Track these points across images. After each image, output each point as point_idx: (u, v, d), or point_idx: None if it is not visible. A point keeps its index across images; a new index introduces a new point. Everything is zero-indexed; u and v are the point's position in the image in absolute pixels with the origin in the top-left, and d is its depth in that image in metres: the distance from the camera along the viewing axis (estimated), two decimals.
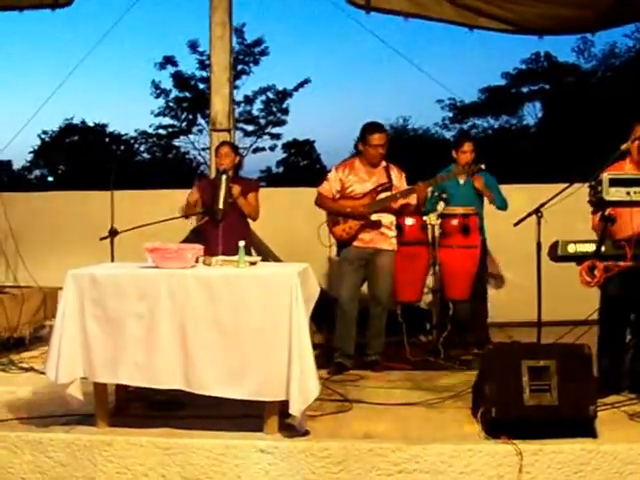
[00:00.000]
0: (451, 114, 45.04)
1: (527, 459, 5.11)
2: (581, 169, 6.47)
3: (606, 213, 5.86)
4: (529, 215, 6.11)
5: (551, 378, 5.33)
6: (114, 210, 8.07)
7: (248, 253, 6.78)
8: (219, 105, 10.21)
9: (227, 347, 5.44)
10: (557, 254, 5.79)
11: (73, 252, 10.14)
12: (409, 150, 37.57)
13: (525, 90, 43.05)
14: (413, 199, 7.94)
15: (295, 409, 5.31)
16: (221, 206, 7.80)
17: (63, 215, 11.31)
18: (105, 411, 5.78)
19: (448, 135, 44.59)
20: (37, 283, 9.66)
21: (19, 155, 47.64)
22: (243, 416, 5.66)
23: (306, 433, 5.49)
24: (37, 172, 48.78)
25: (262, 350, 5.41)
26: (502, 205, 8.84)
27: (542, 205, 6.07)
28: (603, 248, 5.76)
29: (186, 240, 8.29)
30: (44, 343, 8.86)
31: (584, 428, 5.28)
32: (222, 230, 7.84)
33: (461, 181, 8.94)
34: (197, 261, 5.97)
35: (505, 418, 5.31)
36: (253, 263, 6.06)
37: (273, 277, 5.63)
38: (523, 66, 42.51)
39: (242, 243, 5.94)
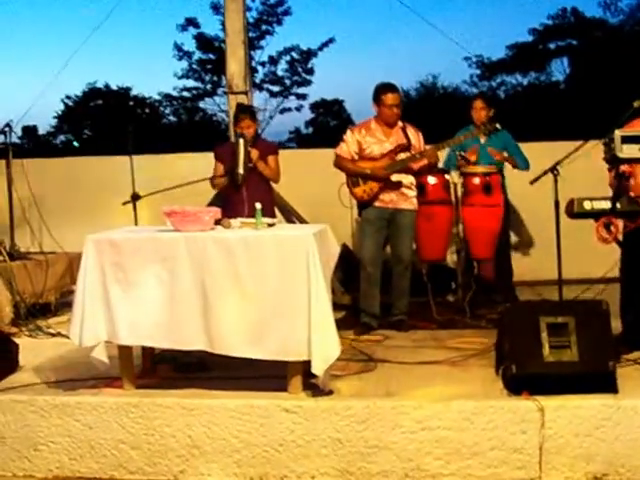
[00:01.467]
0: (479, 71, 44.57)
1: (549, 415, 5.16)
2: (602, 126, 6.47)
3: (620, 170, 5.88)
4: (545, 173, 6.13)
5: (570, 334, 5.38)
6: (135, 175, 8.16)
7: (272, 215, 6.83)
8: (235, 68, 10.27)
9: (248, 308, 5.52)
10: (573, 211, 5.81)
11: (97, 217, 10.08)
12: (439, 107, 37.48)
13: (552, 46, 42.61)
14: (429, 159, 7.92)
15: (317, 368, 5.38)
16: (241, 171, 7.79)
17: (85, 180, 11.36)
18: (131, 374, 5.88)
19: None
20: (62, 248, 9.70)
21: (44, 120, 47.29)
22: (267, 376, 5.74)
23: (330, 393, 5.57)
24: (62, 137, 48.68)
25: (282, 310, 5.48)
26: (524, 166, 8.81)
27: (558, 163, 6.08)
28: (618, 205, 5.79)
29: (211, 204, 8.37)
30: (71, 308, 9.07)
31: (604, 383, 5.30)
32: (246, 193, 7.84)
33: (482, 140, 8.91)
34: (216, 224, 6.03)
35: (525, 374, 5.35)
36: (271, 224, 6.11)
37: (290, 238, 5.68)
38: (550, 22, 42.27)
39: (259, 205, 6.00)
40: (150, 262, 5.66)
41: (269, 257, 5.54)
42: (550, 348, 5.37)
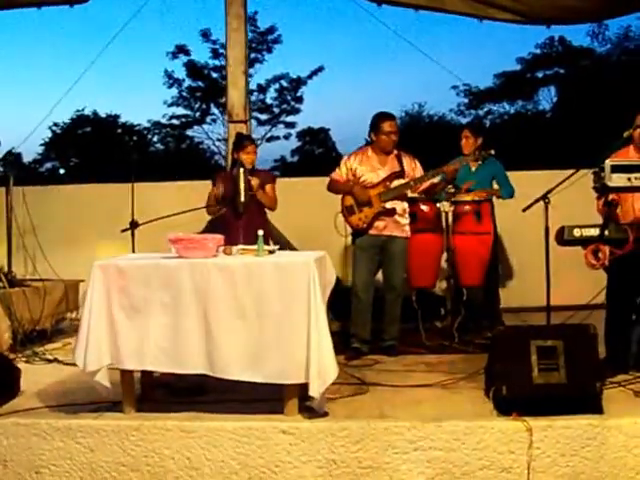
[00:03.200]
0: (466, 100, 44.92)
1: (537, 435, 5.29)
2: (591, 155, 6.64)
3: (609, 199, 6.06)
4: (537, 201, 6.29)
5: (559, 357, 5.52)
6: (127, 202, 8.29)
7: (266, 243, 6.99)
8: (235, 97, 10.44)
9: (248, 332, 5.63)
10: (563, 238, 5.98)
11: (92, 245, 10.46)
12: (425, 136, 37.60)
13: (540, 75, 42.92)
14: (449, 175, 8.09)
15: (314, 391, 5.48)
16: (243, 199, 7.97)
17: (81, 208, 11.44)
18: (132, 397, 5.96)
19: (464, 121, 44.61)
20: (58, 276, 9.83)
21: (29, 148, 46.50)
22: (264, 400, 5.84)
23: (325, 414, 5.67)
24: (48, 165, 48.30)
25: (282, 335, 5.59)
26: (508, 196, 8.98)
27: (549, 191, 6.24)
28: (607, 232, 5.95)
29: (204, 231, 8.54)
30: (66, 335, 9.20)
31: (591, 404, 5.46)
32: (243, 221, 8.01)
33: (473, 168, 9.07)
34: (218, 251, 6.15)
35: (515, 396, 5.50)
36: (272, 252, 6.24)
37: (291, 264, 5.79)
38: (538, 51, 42.41)
39: (261, 232, 6.13)
40: (155, 288, 5.78)
41: (270, 283, 5.66)
42: (539, 371, 5.51)
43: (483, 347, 7.72)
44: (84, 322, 5.85)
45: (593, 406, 5.47)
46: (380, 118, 8.09)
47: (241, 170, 8.03)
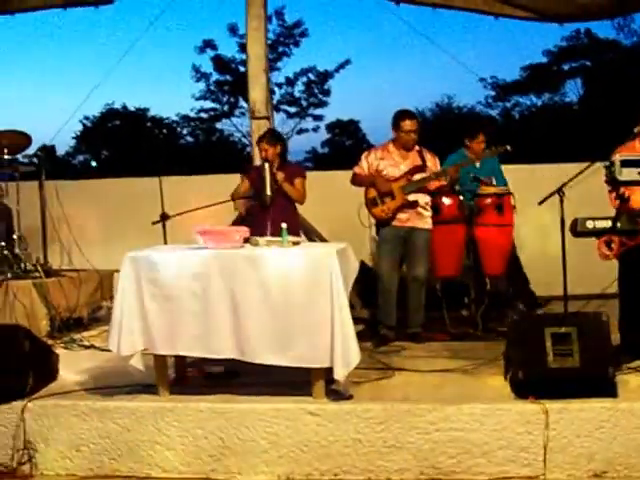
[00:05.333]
0: (494, 92, 44.87)
1: (553, 417, 5.49)
2: (606, 148, 6.81)
3: (620, 192, 6.25)
4: (551, 194, 6.44)
5: (572, 343, 5.71)
6: (159, 195, 8.49)
7: (296, 234, 7.21)
8: (257, 94, 10.55)
9: (275, 319, 5.86)
10: (577, 230, 6.14)
11: (124, 236, 10.68)
12: (454, 127, 37.56)
13: (566, 67, 42.85)
14: (445, 180, 8.33)
15: (339, 374, 5.71)
16: (268, 193, 8.16)
17: (113, 201, 11.72)
18: (166, 381, 6.20)
19: (493, 113, 44.66)
20: (93, 266, 10.06)
21: (62, 141, 47.34)
22: (291, 383, 6.05)
23: (350, 397, 5.90)
24: (80, 157, 48.87)
25: (307, 321, 5.82)
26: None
27: (564, 185, 6.40)
28: (619, 224, 6.08)
29: (234, 223, 8.69)
30: (101, 323, 9.39)
31: (604, 388, 5.64)
32: (271, 214, 8.17)
33: (477, 164, 9.25)
34: (245, 242, 6.37)
35: (531, 380, 5.70)
36: (296, 243, 6.46)
37: (314, 255, 6.03)
38: (564, 43, 42.35)
39: (285, 225, 6.36)
40: (184, 278, 6.00)
41: (295, 272, 5.89)
42: (554, 356, 5.70)
43: (506, 334, 7.78)
44: (117, 310, 6.11)
45: (606, 390, 5.64)
46: (401, 116, 8.26)
47: (266, 165, 8.23)
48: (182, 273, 6.04)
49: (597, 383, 5.68)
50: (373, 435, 5.65)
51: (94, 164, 46.43)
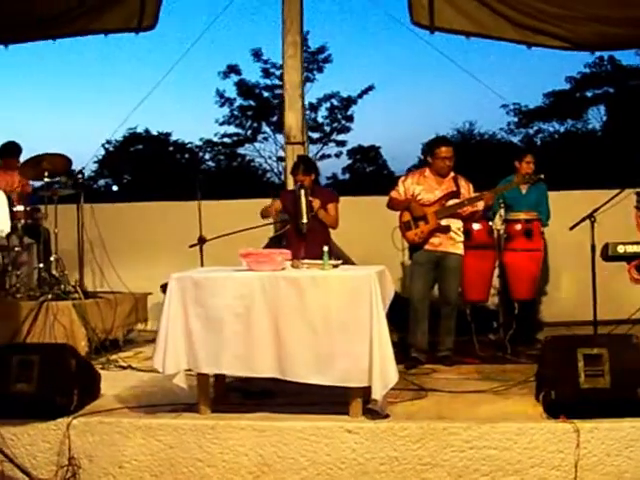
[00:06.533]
0: (516, 119, 44.87)
1: (583, 436, 5.61)
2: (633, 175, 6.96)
3: None
4: (583, 220, 6.61)
5: (603, 364, 5.84)
6: (193, 220, 8.64)
7: (329, 258, 7.37)
8: (292, 120, 10.82)
9: (316, 340, 6.00)
10: (608, 254, 6.30)
11: (159, 260, 10.75)
12: (476, 154, 37.61)
13: (589, 94, 42.85)
14: (480, 205, 8.43)
15: (377, 393, 5.84)
16: (305, 220, 8.32)
17: (146, 225, 11.91)
18: (207, 399, 6.35)
19: (514, 140, 44.68)
20: (128, 289, 10.22)
21: (84, 165, 46.87)
22: (326, 402, 6.21)
23: (387, 416, 6.03)
24: (102, 182, 48.49)
25: (347, 342, 5.95)
26: (545, 222, 9.36)
27: (595, 210, 6.56)
28: None
29: (267, 247, 8.89)
30: (136, 345, 9.63)
31: (634, 408, 5.76)
32: (306, 239, 8.33)
33: (523, 191, 9.44)
34: (285, 264, 6.53)
35: (563, 400, 5.83)
36: (336, 265, 6.62)
37: (355, 277, 6.18)
38: (587, 70, 42.33)
39: (326, 248, 6.56)
40: (228, 299, 6.15)
41: (336, 294, 6.05)
42: (585, 376, 5.82)
43: (534, 358, 7.92)
44: (162, 330, 6.26)
45: (636, 410, 5.77)
46: (436, 143, 8.44)
47: (302, 192, 8.38)
48: (226, 294, 6.19)
49: (627, 403, 5.80)
50: (409, 453, 5.78)
51: (115, 188, 46.43)
